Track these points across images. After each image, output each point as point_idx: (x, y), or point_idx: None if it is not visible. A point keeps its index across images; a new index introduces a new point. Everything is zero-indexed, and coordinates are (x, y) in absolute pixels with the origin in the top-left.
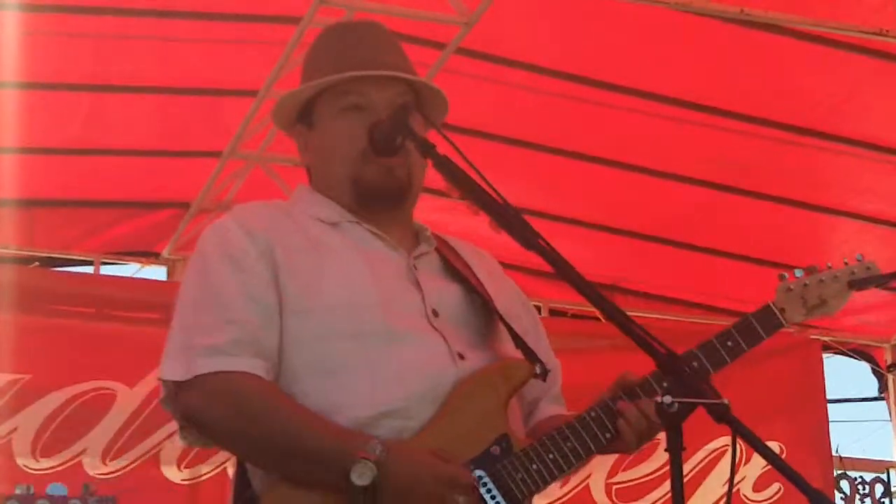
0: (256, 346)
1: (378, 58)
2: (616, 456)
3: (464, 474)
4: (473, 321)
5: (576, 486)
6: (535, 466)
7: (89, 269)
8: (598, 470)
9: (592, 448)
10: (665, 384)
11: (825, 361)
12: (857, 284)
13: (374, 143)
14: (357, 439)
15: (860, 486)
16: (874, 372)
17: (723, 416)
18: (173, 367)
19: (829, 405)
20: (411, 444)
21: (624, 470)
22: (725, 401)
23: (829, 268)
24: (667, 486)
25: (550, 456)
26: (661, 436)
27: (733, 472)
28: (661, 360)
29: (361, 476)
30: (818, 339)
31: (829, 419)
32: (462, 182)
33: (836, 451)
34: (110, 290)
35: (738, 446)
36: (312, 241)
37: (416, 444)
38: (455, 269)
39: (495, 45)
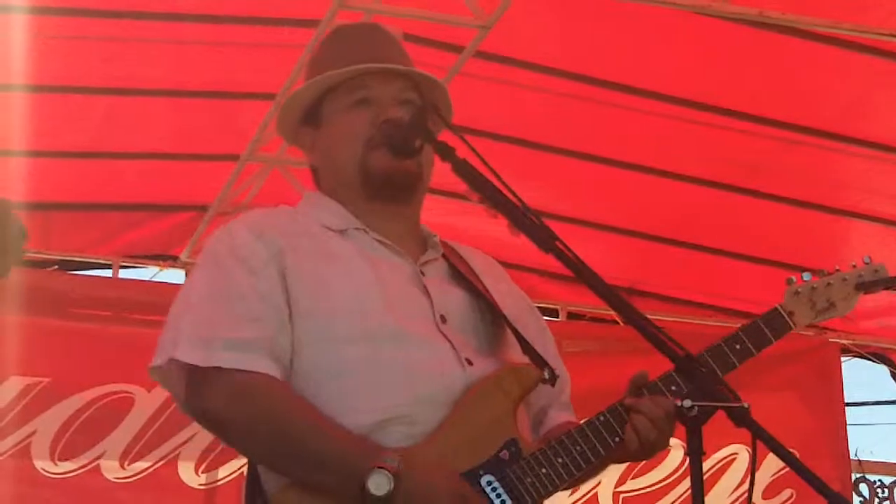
0: (274, 348)
1: (380, 54)
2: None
3: (474, 497)
4: (481, 327)
5: (584, 495)
6: (544, 470)
7: (108, 273)
8: (606, 478)
9: (601, 451)
10: (674, 388)
11: (843, 364)
12: (865, 287)
13: (393, 145)
14: (374, 450)
15: (879, 490)
16: (893, 375)
17: (743, 419)
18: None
19: (847, 408)
20: (423, 453)
21: (633, 478)
22: (746, 404)
23: (837, 270)
24: (675, 494)
25: (560, 460)
26: (675, 441)
27: (753, 475)
28: (680, 362)
29: (379, 486)
30: (837, 341)
31: (848, 422)
32: (480, 185)
33: (855, 454)
34: (128, 293)
35: (749, 453)
36: (319, 247)
37: (426, 450)
38: (462, 276)
39: (511, 48)
